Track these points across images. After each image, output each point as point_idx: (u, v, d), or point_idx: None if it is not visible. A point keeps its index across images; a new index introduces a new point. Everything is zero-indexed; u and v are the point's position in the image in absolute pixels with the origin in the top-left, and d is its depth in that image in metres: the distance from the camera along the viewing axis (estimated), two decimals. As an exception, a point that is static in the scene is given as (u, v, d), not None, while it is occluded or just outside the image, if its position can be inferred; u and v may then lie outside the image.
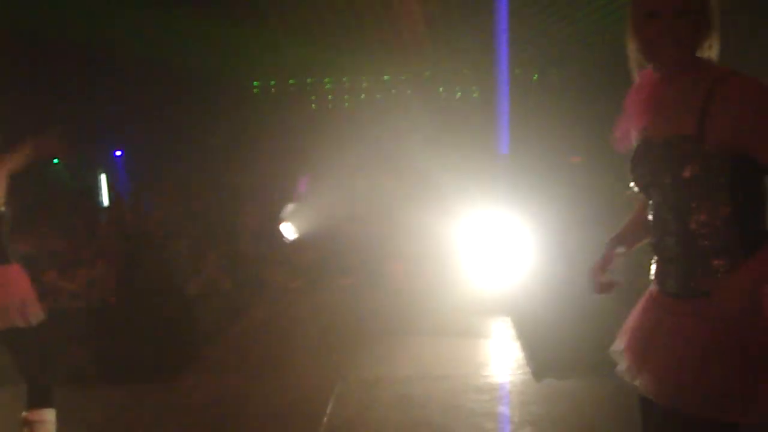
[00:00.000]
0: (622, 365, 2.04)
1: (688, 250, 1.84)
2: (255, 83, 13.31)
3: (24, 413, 3.51)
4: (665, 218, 1.88)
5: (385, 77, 13.12)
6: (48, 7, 9.64)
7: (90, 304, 6.82)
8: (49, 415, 3.54)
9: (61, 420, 3.97)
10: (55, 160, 15.20)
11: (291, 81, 13.25)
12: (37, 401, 3.52)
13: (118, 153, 16.62)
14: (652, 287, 2.02)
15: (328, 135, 9.82)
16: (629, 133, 2.02)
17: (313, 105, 13.53)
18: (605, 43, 10.23)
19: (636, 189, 1.99)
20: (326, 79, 13.33)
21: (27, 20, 9.67)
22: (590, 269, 2.22)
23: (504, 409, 4.39)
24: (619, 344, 2.08)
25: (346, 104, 13.47)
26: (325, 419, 4.24)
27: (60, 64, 10.77)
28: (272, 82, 13.39)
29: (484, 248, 6.68)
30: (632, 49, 1.92)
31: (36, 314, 3.55)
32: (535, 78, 12.21)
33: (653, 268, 2.01)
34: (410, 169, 8.71)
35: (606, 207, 8.50)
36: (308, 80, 13.24)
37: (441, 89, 12.92)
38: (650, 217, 1.96)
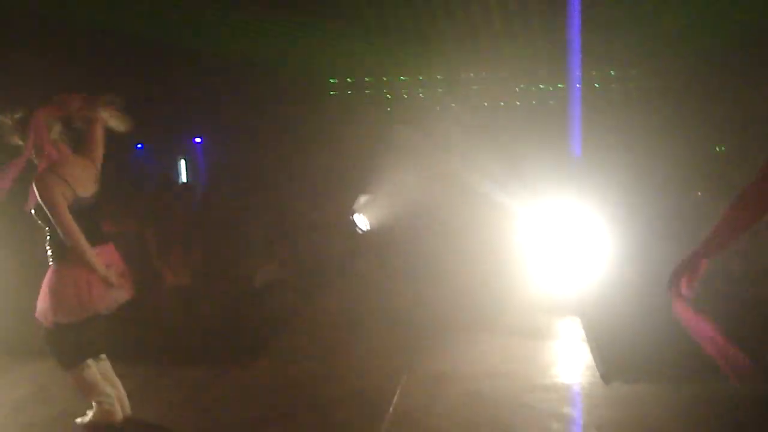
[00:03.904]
0: None
1: None
2: (331, 80, 13.49)
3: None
4: None
5: (463, 75, 13.10)
6: (134, 5, 10.00)
7: (168, 287, 7.07)
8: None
9: (140, 399, 4.19)
10: (139, 145, 15.81)
11: (368, 78, 13.37)
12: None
13: (198, 140, 17.11)
14: None
15: (402, 131, 9.89)
16: None
17: (389, 105, 13.65)
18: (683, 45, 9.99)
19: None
20: (401, 77, 13.40)
21: (114, 15, 10.04)
22: (674, 278, 1.99)
23: (571, 411, 4.37)
24: None
25: (421, 96, 13.53)
26: (390, 409, 4.32)
27: (145, 55, 11.16)
28: (349, 79, 13.56)
29: (556, 248, 6.62)
30: None
31: (127, 294, 3.74)
32: (612, 73, 12.01)
33: None
34: (483, 167, 8.69)
35: (680, 209, 8.31)
36: (384, 78, 13.34)
37: (517, 89, 12.83)
38: None
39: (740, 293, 6.46)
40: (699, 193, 8.62)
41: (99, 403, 3.78)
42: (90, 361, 3.74)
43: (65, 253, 3.54)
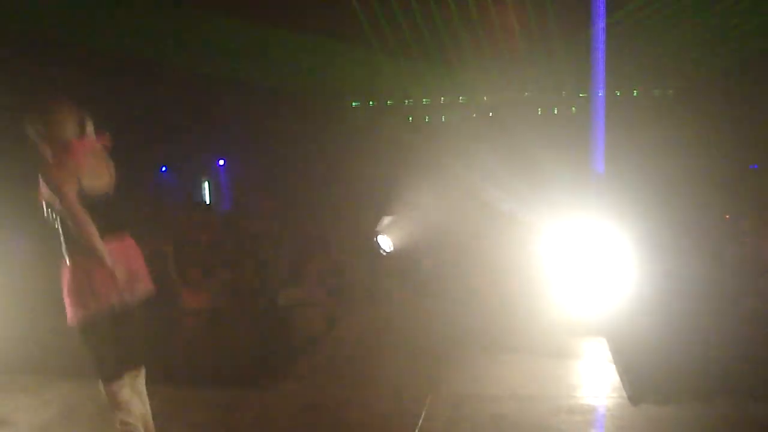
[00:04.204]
0: None
1: None
2: (354, 103, 13.61)
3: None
4: None
5: (485, 98, 13.17)
6: (154, 29, 10.17)
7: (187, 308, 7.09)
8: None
9: (164, 419, 4.21)
10: (163, 168, 16.03)
11: (389, 102, 13.48)
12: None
13: (221, 162, 17.32)
14: None
15: (424, 150, 9.92)
16: None
17: (410, 118, 13.71)
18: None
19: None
20: (424, 100, 13.49)
21: (134, 40, 10.22)
22: None
23: (597, 433, 4.33)
24: None
25: (443, 120, 13.58)
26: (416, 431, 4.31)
27: (170, 81, 11.35)
28: (371, 103, 13.67)
29: (582, 267, 6.57)
30: None
31: (145, 289, 3.77)
32: (635, 93, 11.99)
33: None
34: (505, 185, 8.69)
35: (706, 227, 8.23)
36: (406, 102, 13.44)
37: (539, 110, 12.84)
38: None
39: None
40: (727, 216, 8.52)
41: (125, 423, 3.80)
42: (127, 380, 3.78)
43: (77, 247, 3.59)
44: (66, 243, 3.61)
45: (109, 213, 3.70)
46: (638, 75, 12.10)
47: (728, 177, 9.67)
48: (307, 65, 11.47)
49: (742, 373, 4.91)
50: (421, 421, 4.44)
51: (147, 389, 3.96)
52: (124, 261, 3.67)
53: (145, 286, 3.80)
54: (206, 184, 17.26)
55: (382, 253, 8.86)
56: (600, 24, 6.71)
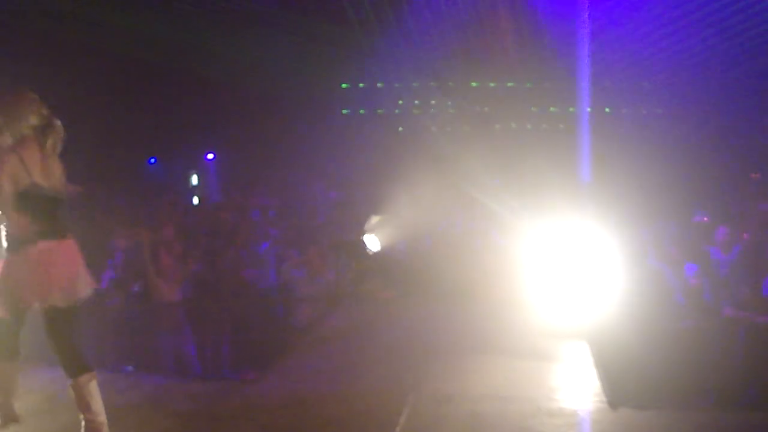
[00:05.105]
0: None
1: None
2: (344, 111, 13.67)
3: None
4: None
5: (477, 107, 13.27)
6: (148, 24, 10.16)
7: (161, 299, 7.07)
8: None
9: (149, 410, 4.22)
10: (152, 160, 15.97)
11: (379, 111, 13.55)
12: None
13: (210, 156, 17.27)
14: None
15: (414, 155, 9.96)
16: None
17: (401, 128, 13.81)
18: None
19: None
20: (415, 111, 13.57)
21: (127, 33, 10.20)
22: None
23: (576, 436, 4.36)
24: None
25: (433, 128, 13.66)
26: (397, 429, 4.32)
27: (160, 73, 11.33)
28: (361, 111, 13.74)
29: (565, 272, 6.62)
30: None
31: (83, 289, 3.77)
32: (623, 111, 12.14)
33: None
34: (492, 189, 8.74)
35: (687, 233, 8.32)
36: (400, 103, 13.52)
37: (531, 116, 12.95)
38: None
39: (748, 320, 6.46)
40: (705, 219, 8.65)
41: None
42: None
43: (19, 246, 3.58)
44: (9, 240, 3.64)
45: (60, 213, 3.70)
46: (626, 94, 12.25)
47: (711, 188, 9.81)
48: (299, 69, 11.49)
49: (721, 382, 4.97)
50: (402, 419, 4.46)
51: (133, 379, 3.95)
52: (63, 262, 3.67)
53: (86, 285, 3.79)
54: (195, 177, 17.20)
55: (368, 252, 8.88)
56: (587, 45, 6.82)
